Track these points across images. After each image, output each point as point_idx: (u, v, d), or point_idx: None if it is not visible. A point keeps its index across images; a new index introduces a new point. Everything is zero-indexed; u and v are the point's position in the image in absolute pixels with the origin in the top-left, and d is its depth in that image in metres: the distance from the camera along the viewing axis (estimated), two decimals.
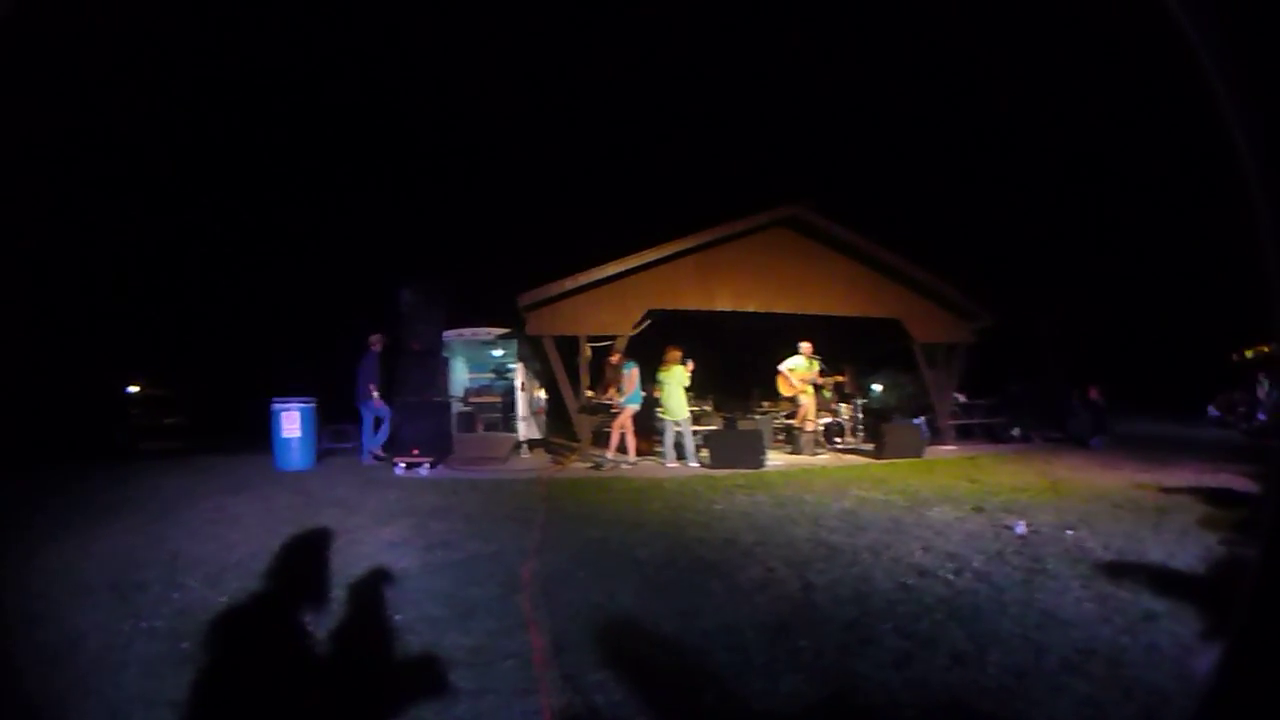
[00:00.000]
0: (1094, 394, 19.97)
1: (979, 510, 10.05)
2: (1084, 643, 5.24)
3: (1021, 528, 8.87)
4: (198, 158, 24.71)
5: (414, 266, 20.04)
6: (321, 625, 5.27)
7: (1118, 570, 7.07)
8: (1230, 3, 1.66)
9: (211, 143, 25.58)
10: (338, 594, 5.91)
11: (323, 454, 15.44)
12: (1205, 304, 34.12)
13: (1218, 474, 13.28)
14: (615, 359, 15.25)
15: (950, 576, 6.90)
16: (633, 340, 16.19)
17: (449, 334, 16.77)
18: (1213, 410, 26.15)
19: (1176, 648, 5.16)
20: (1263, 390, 22.83)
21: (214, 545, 7.68)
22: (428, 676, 4.56)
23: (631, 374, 14.97)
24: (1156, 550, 7.85)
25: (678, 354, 15.08)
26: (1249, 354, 28.52)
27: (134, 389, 20.68)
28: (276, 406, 14.06)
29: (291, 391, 14.36)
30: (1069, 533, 8.66)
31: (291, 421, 13.98)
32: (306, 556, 7.05)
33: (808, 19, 34.89)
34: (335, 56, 27.97)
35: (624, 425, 14.88)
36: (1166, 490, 11.74)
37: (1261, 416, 21.98)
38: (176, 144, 23.77)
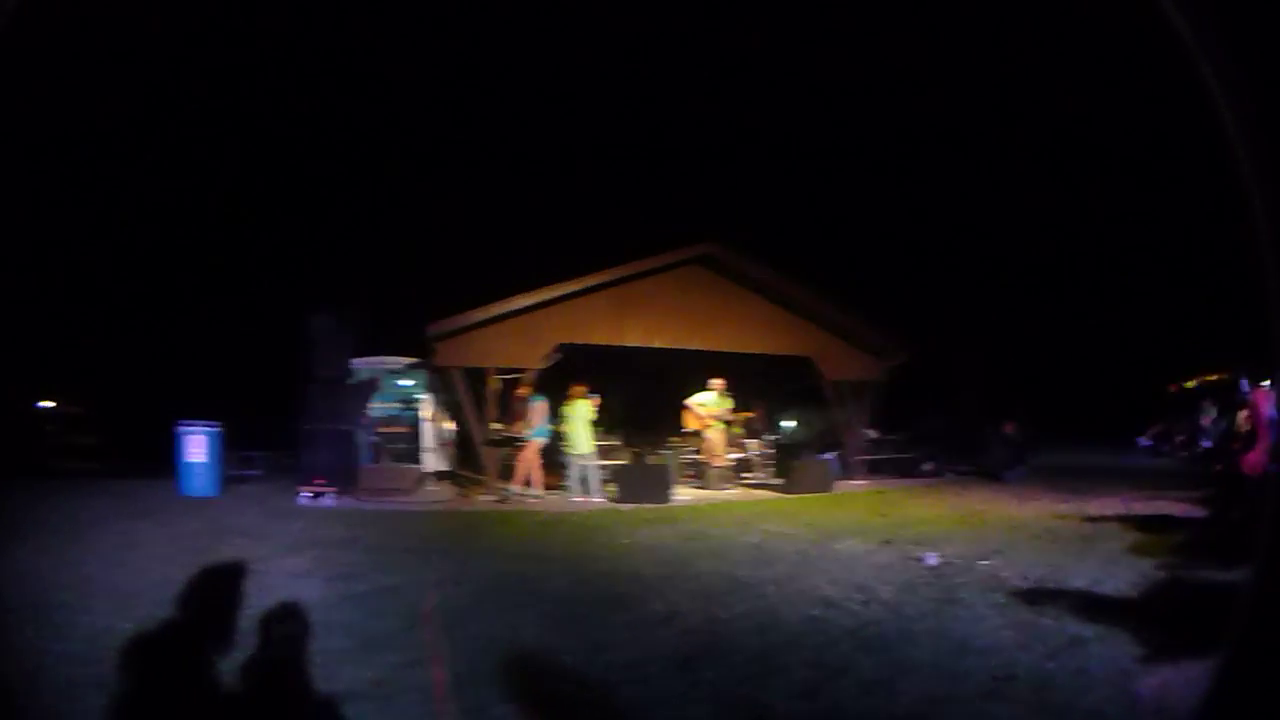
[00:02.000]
0: (1010, 428, 21.03)
1: (888, 543, 10.51)
2: (1003, 669, 5.53)
3: (933, 559, 9.27)
4: (119, 173, 24.80)
5: (325, 293, 20.29)
6: (226, 657, 5.15)
7: (1037, 598, 7.46)
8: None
9: (132, 159, 25.66)
10: (242, 625, 5.67)
11: (230, 481, 15.64)
12: (1136, 336, 35.59)
13: (1152, 501, 14.25)
14: (523, 392, 15.82)
15: (858, 608, 7.23)
16: (542, 374, 16.77)
17: (358, 362, 17.10)
18: (1143, 440, 27.52)
19: (1112, 671, 5.48)
20: (1208, 418, 23.93)
21: (123, 571, 8.13)
22: (330, 710, 4.72)
23: (539, 407, 15.53)
24: (1080, 577, 8.31)
25: (583, 389, 15.71)
26: (1190, 384, 29.97)
27: (48, 405, 20.66)
28: (182, 430, 14.31)
29: (200, 415, 14.61)
30: (982, 563, 9.12)
31: (196, 446, 14.28)
32: (211, 586, 6.80)
33: (730, 57, 35.81)
34: (248, 75, 28.12)
35: (530, 459, 15.41)
36: (1090, 519, 12.40)
37: (1206, 443, 23.05)
38: (96, 157, 23.85)
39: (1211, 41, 1.71)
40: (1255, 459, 10.09)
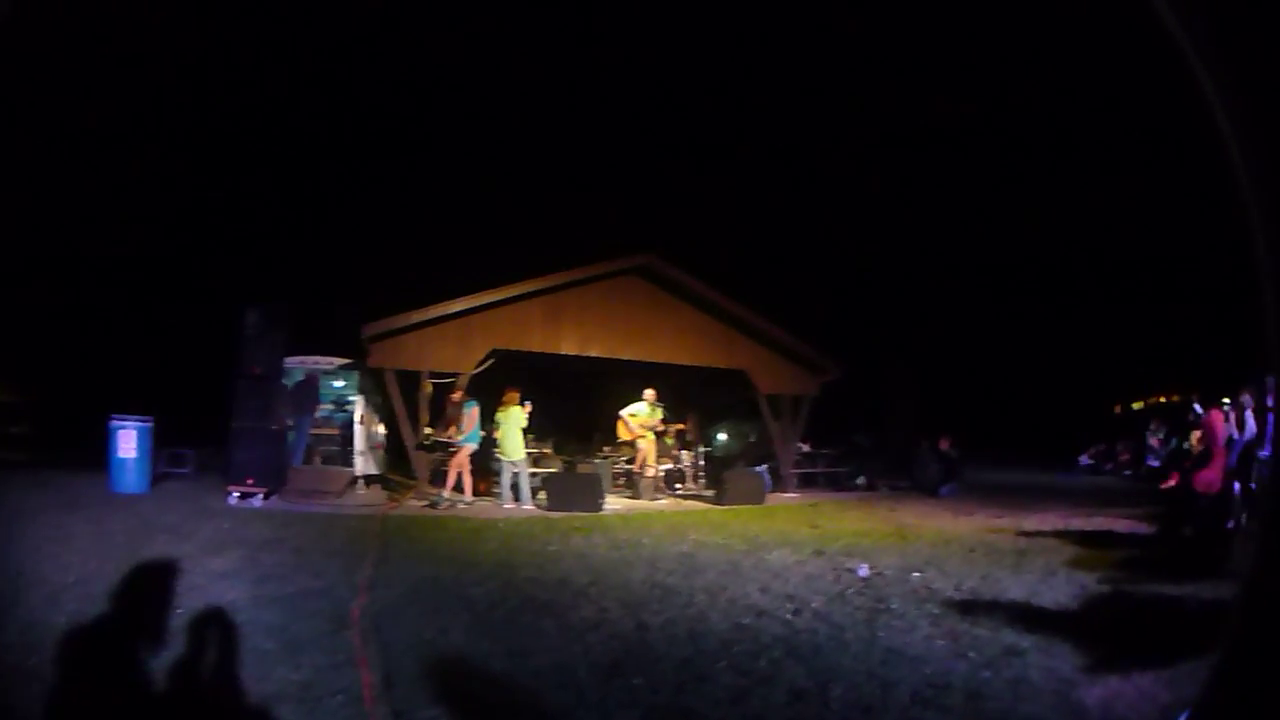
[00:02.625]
0: (945, 444, 21.64)
1: (819, 554, 10.72)
2: (937, 678, 5.64)
3: (864, 570, 9.46)
4: (55, 164, 24.53)
5: (261, 289, 20.23)
6: (151, 656, 5.36)
7: (972, 609, 7.63)
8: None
9: (70, 151, 25.39)
10: (167, 624, 6.04)
11: (160, 477, 15.66)
12: (1079, 358, 36.49)
13: (1092, 518, 14.62)
14: (457, 396, 16.01)
15: (788, 616, 7.36)
16: (475, 379, 16.95)
17: (291, 361, 16.93)
18: (1084, 459, 28.48)
19: (1053, 681, 5.58)
20: (1156, 439, 24.76)
21: (52, 565, 8.18)
22: (258, 712, 4.76)
23: (471, 413, 15.70)
24: (1017, 590, 8.53)
25: (516, 395, 15.87)
26: (1136, 405, 31.04)
27: None
28: (114, 424, 14.25)
29: (134, 408, 14.55)
30: (915, 574, 9.33)
31: (128, 441, 14.21)
32: (140, 584, 7.23)
33: (673, 69, 36.13)
34: (189, 70, 27.94)
35: (461, 464, 15.60)
36: (1025, 534, 12.73)
37: (1153, 462, 23.85)
38: (33, 147, 23.58)
39: (1206, 44, 1.71)
40: (1210, 477, 10.60)
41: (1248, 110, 1.65)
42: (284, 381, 16.40)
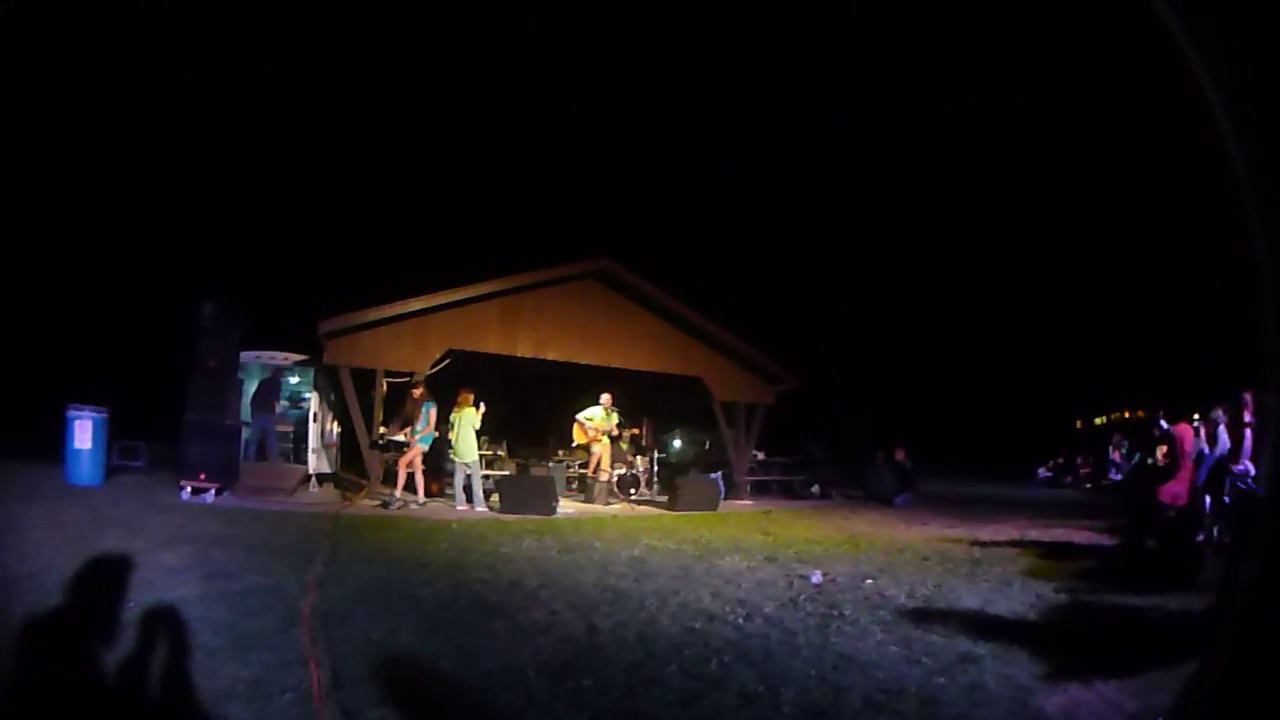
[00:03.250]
0: (900, 455, 22.22)
1: (772, 560, 10.88)
2: (890, 683, 5.68)
3: (817, 577, 9.58)
4: (13, 153, 24.43)
5: (219, 282, 20.25)
6: (104, 650, 5.40)
7: (926, 616, 7.71)
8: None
9: (30, 141, 25.31)
10: (118, 619, 6.02)
11: (113, 470, 15.65)
12: (1039, 372, 37.04)
13: (1050, 529, 14.94)
14: (418, 393, 16.01)
15: (740, 621, 7.43)
16: (431, 380, 17.00)
17: (246, 355, 17.03)
18: (1043, 471, 29.02)
19: (1010, 688, 5.62)
20: (1119, 453, 25.28)
21: (10, 555, 8.34)
22: (204, 709, 4.77)
23: (430, 413, 15.75)
24: (972, 598, 8.68)
25: (470, 396, 15.98)
26: (1099, 420, 31.63)
27: None
28: (71, 414, 14.30)
29: (88, 399, 14.58)
30: (868, 582, 9.46)
31: (84, 432, 14.26)
32: (92, 578, 7.22)
33: (639, 78, 36.42)
34: (152, 62, 27.89)
35: (412, 463, 15.69)
36: (980, 544, 13.01)
37: (1115, 476, 24.35)
38: None
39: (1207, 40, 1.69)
40: (1176, 490, 10.96)
41: (1247, 113, 1.66)
42: (240, 376, 16.49)
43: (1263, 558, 1.74)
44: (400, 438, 16.19)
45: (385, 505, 15.30)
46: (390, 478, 16.45)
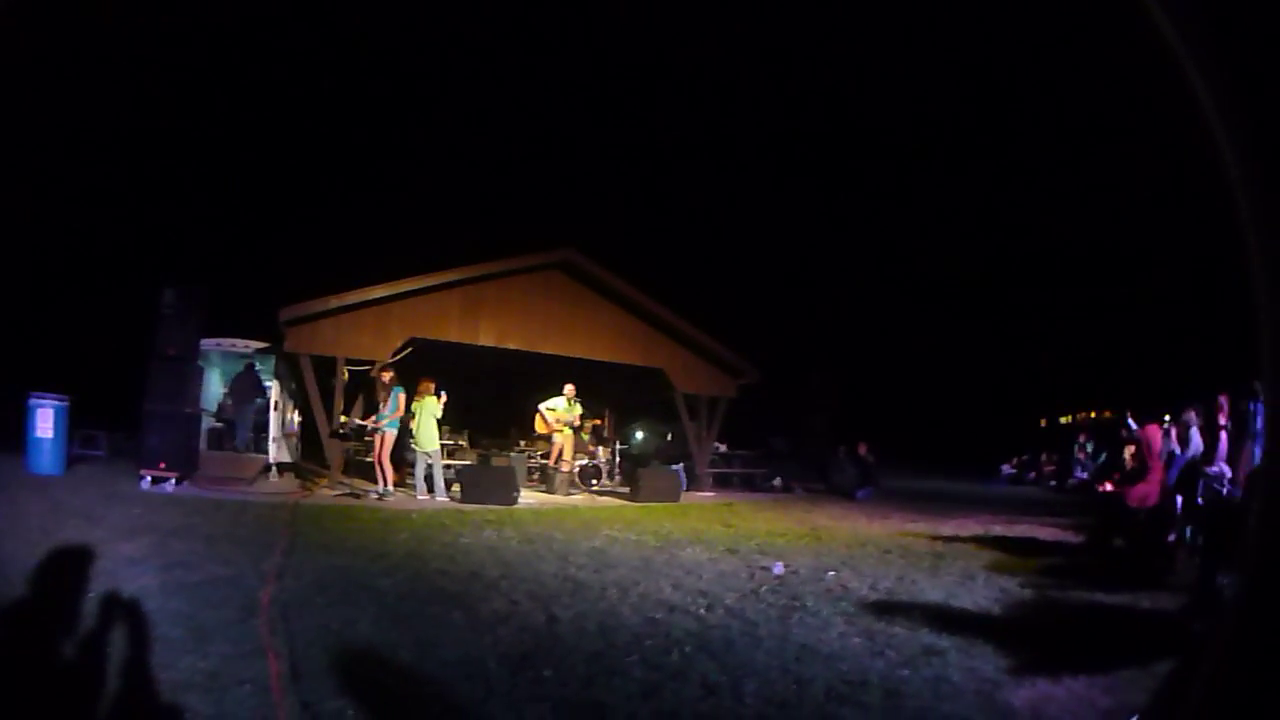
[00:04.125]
0: (863, 450, 22.58)
1: (733, 552, 11.04)
2: (853, 675, 5.72)
3: (779, 568, 9.69)
4: None
5: (180, 269, 20.25)
6: (64, 640, 5.42)
7: (888, 609, 7.77)
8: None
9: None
10: (77, 610, 6.04)
11: (73, 460, 15.68)
12: (1003, 371, 37.51)
13: (1013, 525, 15.31)
14: (387, 377, 16.09)
15: (701, 612, 7.49)
16: (393, 368, 17.00)
17: (207, 343, 17.03)
18: (1006, 468, 29.55)
19: (975, 681, 5.67)
20: (1084, 452, 25.79)
21: None
22: (162, 700, 4.75)
23: (399, 397, 15.80)
24: (934, 592, 8.76)
25: (431, 385, 16.18)
26: (1064, 420, 32.16)
27: None
28: (33, 402, 14.34)
29: (48, 387, 14.60)
30: (830, 574, 9.56)
31: (45, 420, 14.31)
32: (52, 568, 7.24)
33: (607, 71, 36.61)
34: (115, 50, 27.82)
35: (384, 454, 15.72)
36: (943, 538, 13.26)
37: (1081, 474, 24.84)
38: None
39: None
40: (1145, 491, 11.10)
41: (1245, 114, 1.61)
42: (200, 365, 16.53)
43: (1256, 561, 1.69)
44: (365, 424, 16.29)
45: (356, 497, 15.30)
46: (350, 468, 16.68)
